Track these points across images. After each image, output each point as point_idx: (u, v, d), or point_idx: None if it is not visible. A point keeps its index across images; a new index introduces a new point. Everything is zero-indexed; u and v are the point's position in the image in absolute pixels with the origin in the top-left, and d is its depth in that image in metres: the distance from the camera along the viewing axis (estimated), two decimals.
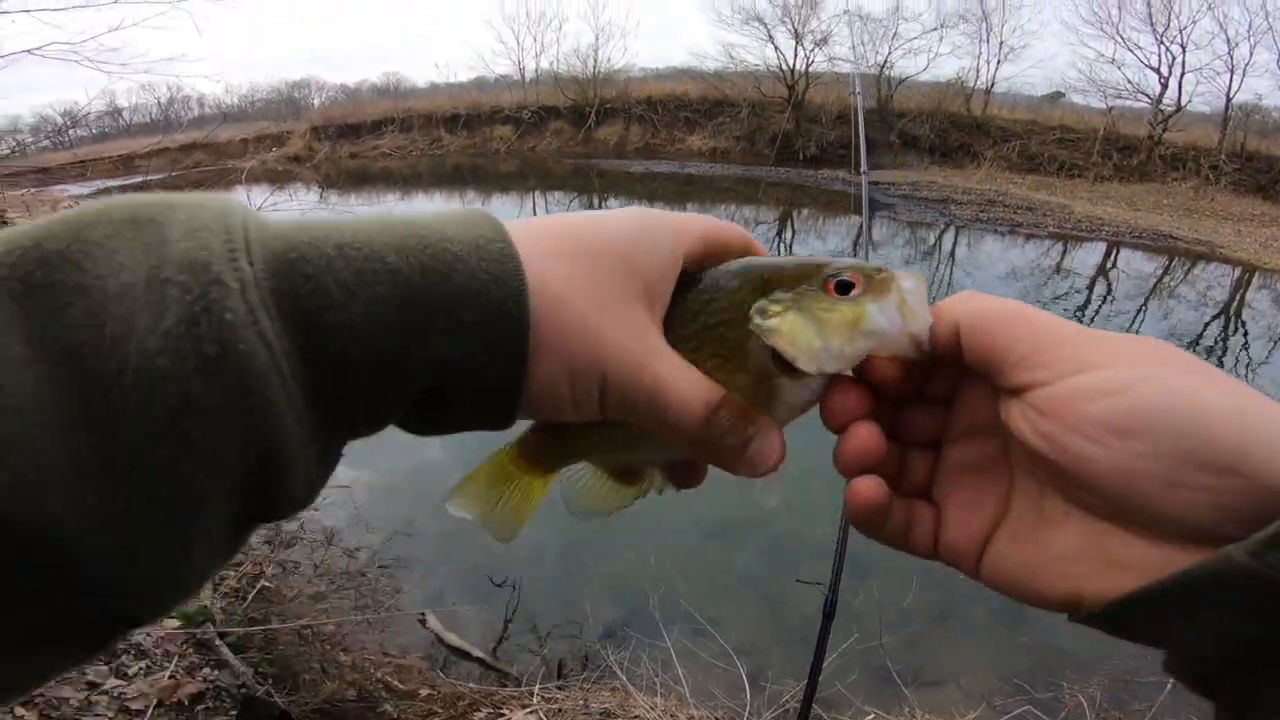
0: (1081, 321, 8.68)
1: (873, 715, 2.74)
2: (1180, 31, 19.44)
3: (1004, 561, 0.34)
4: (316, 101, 37.67)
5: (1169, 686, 2.80)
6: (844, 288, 0.36)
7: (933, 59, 23.13)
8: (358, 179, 22.60)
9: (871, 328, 0.35)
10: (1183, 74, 19.65)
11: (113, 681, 2.27)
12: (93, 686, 2.22)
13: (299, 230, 0.28)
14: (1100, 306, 9.65)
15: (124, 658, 2.37)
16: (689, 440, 0.35)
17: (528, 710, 2.72)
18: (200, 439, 0.24)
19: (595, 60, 26.15)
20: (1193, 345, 8.21)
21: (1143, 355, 0.30)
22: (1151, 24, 19.72)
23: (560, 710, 2.75)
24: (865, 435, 0.35)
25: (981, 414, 0.36)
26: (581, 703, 2.84)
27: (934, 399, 0.38)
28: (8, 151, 6.33)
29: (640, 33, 38.14)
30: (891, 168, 20.64)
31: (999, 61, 23.08)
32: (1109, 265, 12.01)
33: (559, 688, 3.03)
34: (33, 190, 6.87)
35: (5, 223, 6.28)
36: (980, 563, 0.35)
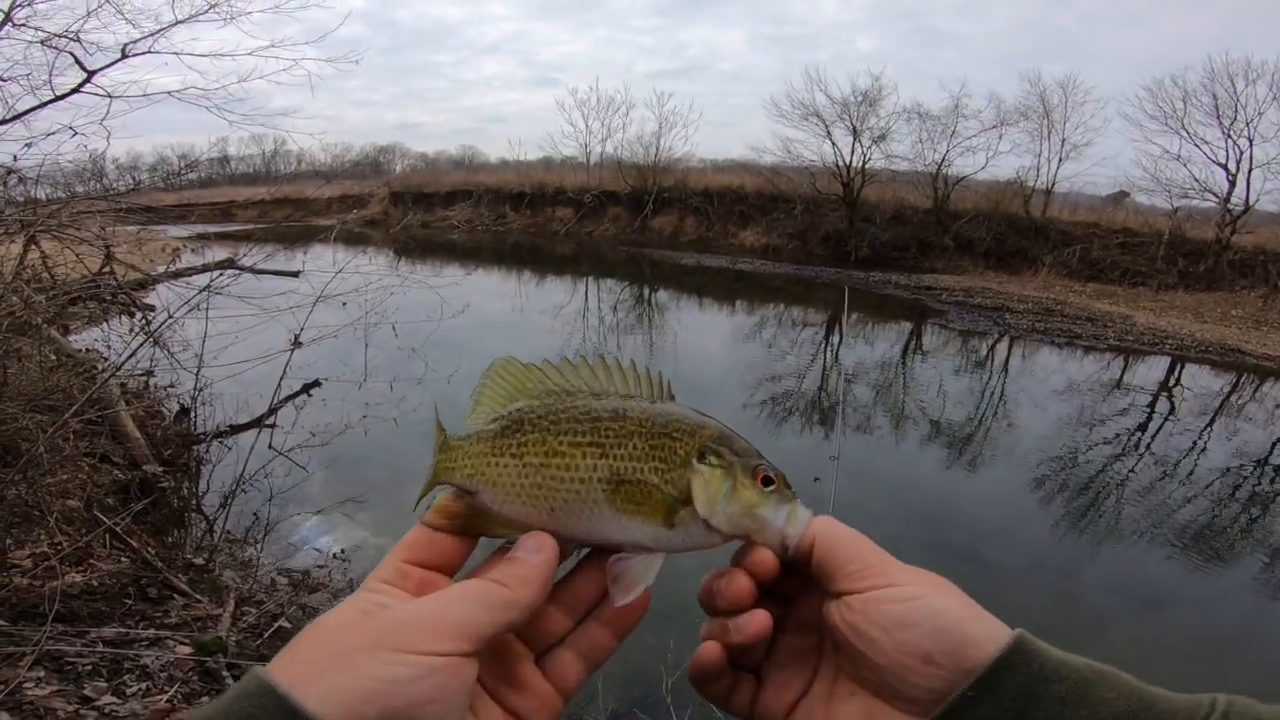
0: (1143, 440, 8.29)
1: None
2: (1248, 124, 18.56)
3: None
4: (399, 167, 40.29)
5: None
6: (767, 481, 0.47)
7: (991, 157, 22.95)
8: (426, 248, 23.90)
9: (762, 515, 0.46)
10: (1250, 169, 18.69)
11: (108, 699, 2.25)
12: (86, 701, 2.22)
13: None
14: (1162, 424, 9.19)
15: (126, 677, 2.37)
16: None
17: None
18: None
19: (657, 147, 27.24)
20: (1261, 465, 7.75)
21: (929, 579, 0.44)
22: (1218, 117, 18.86)
23: None
24: (763, 620, 0.46)
25: (809, 614, 0.48)
26: None
27: (778, 597, 0.49)
28: (126, 189, 6.85)
29: (704, 124, 39.81)
30: (945, 272, 20.56)
31: (1060, 159, 22.62)
32: (1172, 381, 11.50)
33: None
34: (140, 228, 7.43)
35: (112, 258, 6.83)
36: None
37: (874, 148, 23.33)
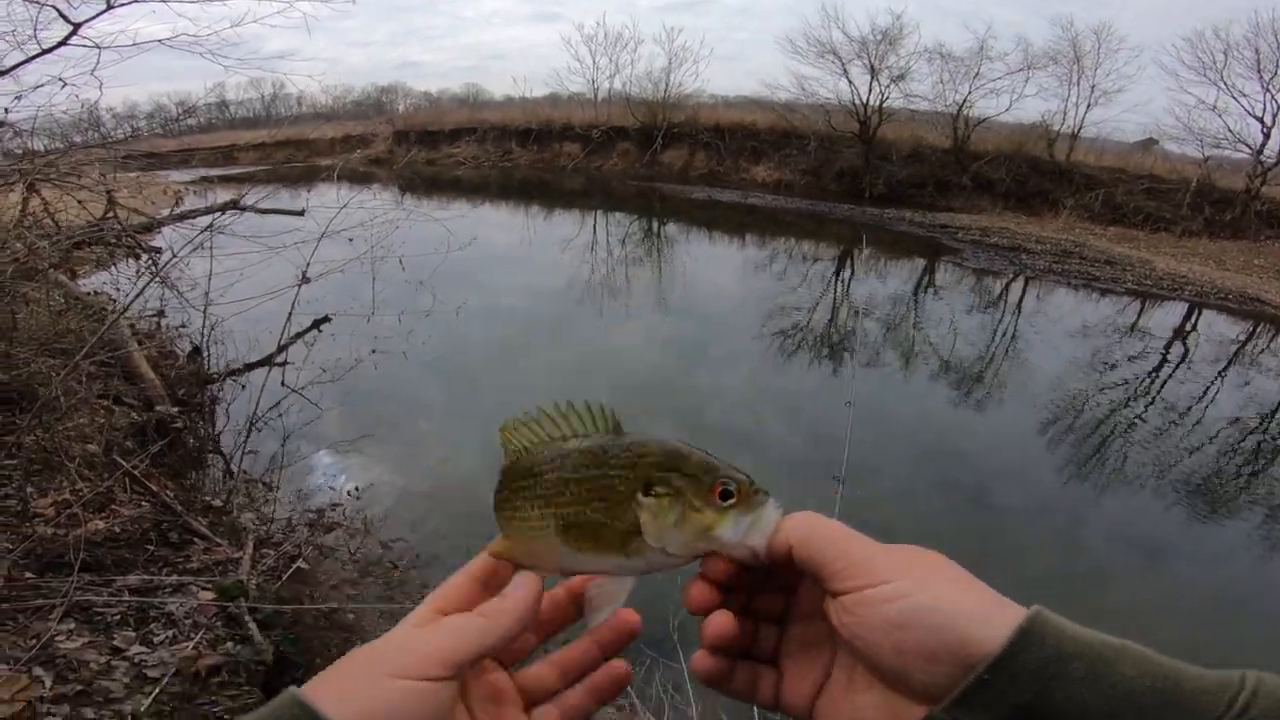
0: (1154, 385, 8.26)
1: None
2: None
3: (827, 715, 0.47)
4: (401, 107, 39.51)
5: None
6: (726, 495, 0.47)
7: (1016, 100, 22.19)
8: (431, 184, 23.52)
9: (718, 535, 0.47)
10: None
11: (137, 649, 2.34)
12: (116, 652, 2.30)
13: None
14: (1174, 370, 9.13)
15: (153, 625, 2.45)
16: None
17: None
18: None
19: (667, 84, 26.42)
20: (1271, 416, 7.73)
21: (920, 564, 0.43)
22: (1259, 70, 18.41)
23: None
24: (720, 621, 0.47)
25: (815, 602, 0.47)
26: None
27: (781, 587, 0.50)
28: (125, 136, 6.88)
29: (712, 59, 38.51)
30: (962, 211, 20.13)
31: (1089, 105, 21.93)
32: (1188, 327, 11.35)
33: None
34: (143, 173, 7.45)
35: (115, 202, 6.83)
36: (812, 715, 0.47)
37: (892, 87, 22.50)
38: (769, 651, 0.51)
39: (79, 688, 2.13)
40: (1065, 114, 22.15)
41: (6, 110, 4.16)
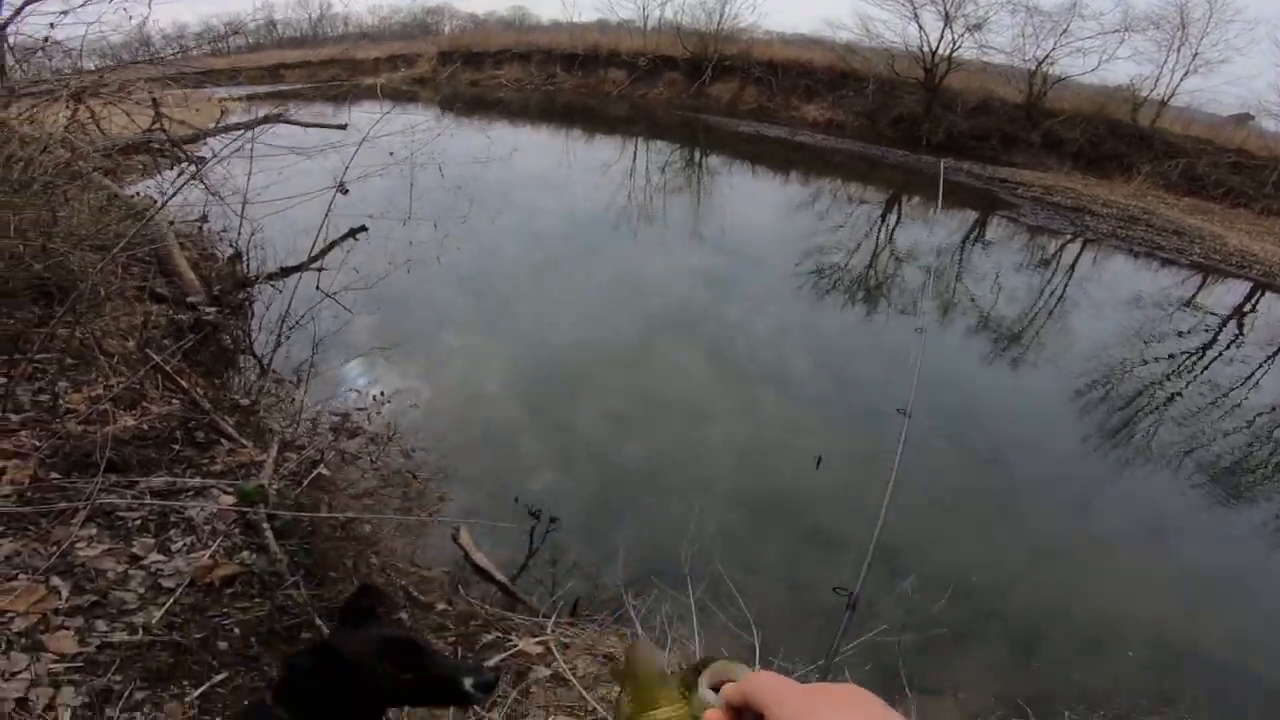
0: (1198, 364, 7.92)
1: None
2: None
3: None
4: (447, 28, 38.95)
5: None
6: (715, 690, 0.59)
7: (1105, 60, 20.83)
8: (473, 105, 23.03)
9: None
10: None
11: (154, 557, 2.37)
12: (134, 560, 2.33)
13: None
14: (1223, 351, 8.70)
15: (172, 532, 2.48)
16: None
17: (537, 640, 2.78)
18: None
19: (721, 16, 25.24)
20: None
21: (826, 704, 0.49)
22: None
23: (567, 646, 2.81)
24: None
25: None
26: (590, 643, 2.89)
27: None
28: (173, 55, 6.96)
29: None
30: (1026, 167, 19.06)
31: (1186, 73, 20.47)
32: (1247, 308, 10.74)
33: (571, 624, 3.09)
34: (190, 89, 7.52)
35: (161, 114, 6.88)
36: None
37: (967, 36, 21.16)
38: None
39: (94, 598, 2.17)
40: (1158, 79, 20.72)
41: (53, 25, 4.21)
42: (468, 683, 1.20)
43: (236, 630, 2.30)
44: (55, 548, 2.22)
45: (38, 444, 2.54)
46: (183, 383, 3.20)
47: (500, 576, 3.43)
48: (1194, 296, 10.80)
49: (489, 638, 2.77)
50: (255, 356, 4.77)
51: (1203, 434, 6.35)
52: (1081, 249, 12.49)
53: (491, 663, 2.57)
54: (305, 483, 2.92)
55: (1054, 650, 3.64)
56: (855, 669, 2.93)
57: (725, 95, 24.27)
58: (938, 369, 6.88)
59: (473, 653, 2.66)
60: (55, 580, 2.17)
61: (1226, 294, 11.28)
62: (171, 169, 7.30)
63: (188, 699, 2.05)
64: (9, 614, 2.03)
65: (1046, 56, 20.70)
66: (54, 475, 2.46)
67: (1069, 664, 3.56)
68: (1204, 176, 18.16)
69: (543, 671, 2.59)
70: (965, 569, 4.03)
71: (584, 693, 2.47)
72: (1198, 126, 20.54)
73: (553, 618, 3.02)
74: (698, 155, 17.50)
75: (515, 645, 2.72)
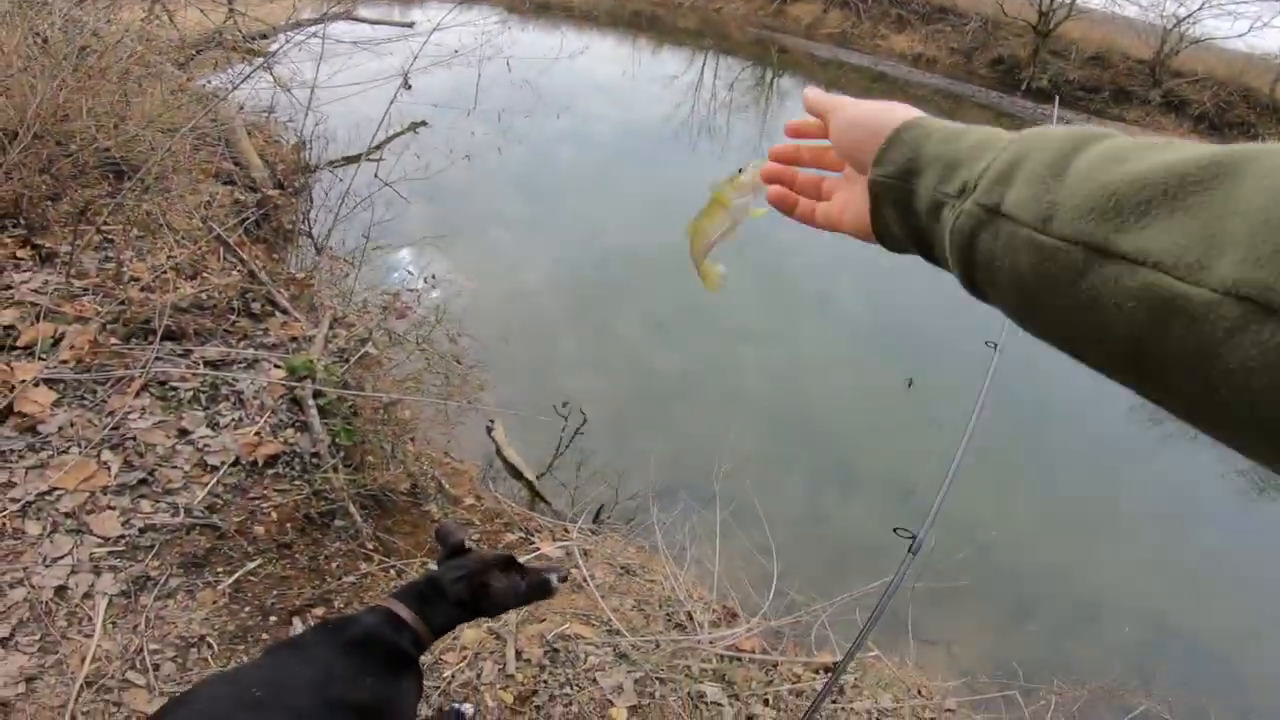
0: None
1: (874, 653, 2.72)
2: None
3: (841, 205, 0.65)
4: None
5: (1140, 710, 2.85)
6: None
7: (1256, 26, 18.30)
8: (541, 7, 22.11)
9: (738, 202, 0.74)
10: None
11: (202, 431, 2.40)
12: (183, 434, 2.36)
13: None
14: None
15: (222, 405, 2.53)
16: None
17: (560, 543, 2.86)
18: None
19: None
20: None
21: (865, 100, 0.60)
22: None
23: (588, 553, 2.88)
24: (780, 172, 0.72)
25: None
26: (610, 553, 2.96)
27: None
28: None
29: None
30: (1137, 124, 17.38)
31: None
32: None
33: (594, 532, 3.17)
34: None
35: (234, 11, 6.85)
36: (842, 221, 0.64)
37: None
38: (824, 191, 0.69)
39: (141, 475, 2.20)
40: None
41: None
42: (554, 579, 1.54)
43: (274, 514, 2.34)
44: (110, 418, 2.24)
45: (100, 309, 2.60)
46: (243, 254, 3.28)
47: (529, 474, 3.50)
48: None
49: (512, 537, 2.85)
50: (312, 237, 4.86)
51: None
52: None
53: None
54: (352, 360, 2.99)
55: (1053, 616, 3.61)
56: (866, 610, 2.94)
57: (807, 17, 22.57)
58: (995, 321, 6.59)
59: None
60: (106, 454, 2.19)
61: None
62: (244, 62, 7.33)
63: (220, 587, 2.09)
64: (58, 491, 2.04)
65: (1189, 15, 18.26)
66: (113, 341, 2.51)
67: (1065, 631, 3.54)
68: None
69: None
70: (983, 523, 3.97)
71: (599, 601, 2.54)
72: None
73: (577, 523, 3.08)
74: (769, 76, 16.55)
75: (537, 548, 2.80)
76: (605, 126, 9.89)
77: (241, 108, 5.77)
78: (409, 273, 5.00)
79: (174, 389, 2.51)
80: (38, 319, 2.45)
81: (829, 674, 2.51)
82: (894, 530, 1.97)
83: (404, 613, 1.36)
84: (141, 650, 1.87)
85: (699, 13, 23.78)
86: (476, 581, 1.40)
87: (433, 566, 1.55)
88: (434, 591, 1.41)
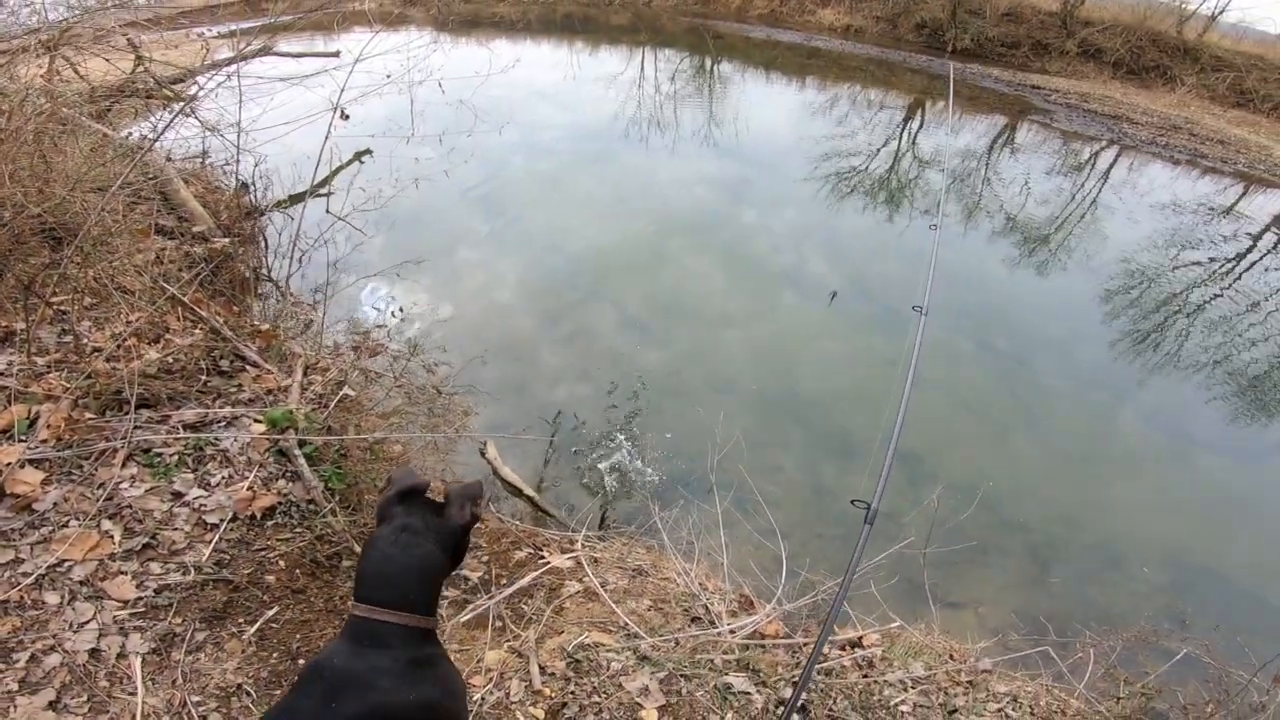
0: (1232, 270, 7.69)
1: (898, 623, 2.75)
2: None
3: None
4: None
5: (1180, 655, 2.82)
6: None
7: None
8: (470, 24, 21.88)
9: None
10: None
11: (196, 492, 2.41)
12: (177, 497, 2.37)
13: None
14: (1262, 259, 8.41)
15: (210, 465, 2.52)
16: None
17: (568, 555, 2.85)
18: None
19: None
20: None
21: None
22: None
23: (597, 560, 2.87)
24: None
25: None
26: (619, 555, 2.96)
27: None
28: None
29: None
30: (1060, 75, 18.01)
31: None
32: None
33: (600, 537, 3.16)
34: (167, 30, 7.22)
35: (142, 57, 6.61)
36: None
37: None
38: None
39: (145, 540, 2.22)
40: None
41: None
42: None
43: (281, 563, 2.37)
44: (101, 489, 2.26)
45: (68, 385, 2.56)
46: (201, 312, 3.19)
47: (529, 490, 3.48)
48: (1234, 205, 10.38)
49: (521, 554, 2.83)
50: (272, 281, 4.75)
51: (1234, 343, 6.22)
52: (1118, 155, 11.96)
53: (525, 580, 2.65)
54: (332, 405, 2.94)
55: (1072, 565, 3.65)
56: (881, 581, 2.98)
57: (736, 0, 22.80)
58: (962, 270, 6.75)
59: (506, 571, 2.73)
60: (105, 524, 2.22)
61: (1268, 202, 10.82)
62: (164, 109, 7.10)
63: (245, 636, 2.14)
64: (68, 562, 2.07)
65: None
66: (88, 416, 2.49)
67: (1087, 579, 3.57)
68: (1252, 91, 17.30)
69: (574, 586, 2.66)
70: (986, 477, 4.04)
71: (614, 607, 2.54)
72: (1248, 43, 19.41)
73: (582, 531, 3.07)
74: (708, 63, 16.65)
75: (548, 561, 2.78)
76: (554, 133, 9.85)
77: (169, 157, 5.59)
78: (376, 309, 4.92)
79: (159, 455, 2.49)
80: (9, 402, 2.42)
81: (854, 649, 2.54)
82: (851, 502, 2.00)
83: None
84: (185, 703, 1.90)
85: (630, 8, 23.75)
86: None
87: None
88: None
